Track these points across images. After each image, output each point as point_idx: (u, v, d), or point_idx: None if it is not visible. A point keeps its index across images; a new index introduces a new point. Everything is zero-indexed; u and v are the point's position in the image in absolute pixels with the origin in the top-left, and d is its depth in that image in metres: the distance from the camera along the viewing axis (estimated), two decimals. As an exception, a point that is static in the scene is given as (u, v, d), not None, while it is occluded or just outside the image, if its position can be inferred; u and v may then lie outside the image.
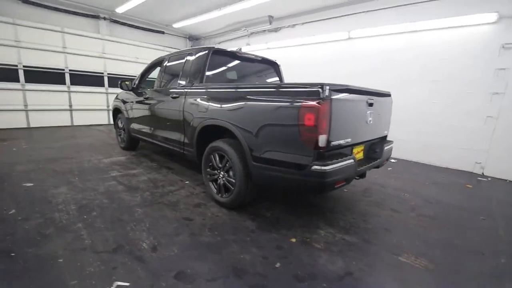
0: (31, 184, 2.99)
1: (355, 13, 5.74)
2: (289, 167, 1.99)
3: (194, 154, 2.93)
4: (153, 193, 2.92)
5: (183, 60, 3.26)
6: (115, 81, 8.12)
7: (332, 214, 2.65)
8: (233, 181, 2.44)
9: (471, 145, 4.63)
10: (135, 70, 8.63)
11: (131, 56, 8.48)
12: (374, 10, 5.49)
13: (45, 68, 6.91)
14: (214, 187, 2.72)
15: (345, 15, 5.90)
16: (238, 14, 6.87)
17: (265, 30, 7.56)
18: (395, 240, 2.21)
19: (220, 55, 3.14)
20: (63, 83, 7.30)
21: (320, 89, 1.82)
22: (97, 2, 7.04)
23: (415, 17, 5.01)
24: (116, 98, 5.01)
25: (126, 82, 4.17)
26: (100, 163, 3.99)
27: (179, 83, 3.22)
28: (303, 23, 6.74)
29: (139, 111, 4.07)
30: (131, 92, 4.36)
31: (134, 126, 4.30)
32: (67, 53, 7.19)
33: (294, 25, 6.94)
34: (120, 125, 4.87)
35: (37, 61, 6.76)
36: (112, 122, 8.51)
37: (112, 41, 7.99)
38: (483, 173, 4.58)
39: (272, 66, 3.83)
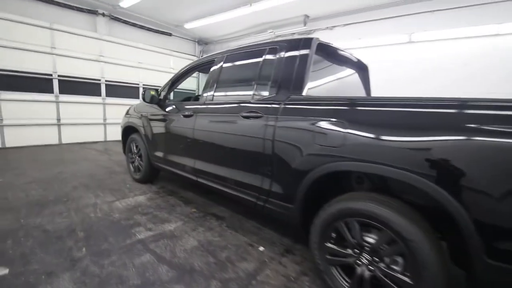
0: (6, 272, 1.69)
1: (417, 13, 4.83)
2: None
3: (295, 215, 1.76)
4: (225, 281, 1.70)
5: (259, 60, 2.12)
6: (114, 89, 6.86)
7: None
8: (406, 280, 1.28)
9: None
10: (137, 77, 7.38)
11: (133, 60, 7.22)
12: (443, 10, 4.60)
13: (28, 72, 5.52)
14: (346, 280, 1.54)
15: (403, 15, 4.98)
16: (267, 13, 5.83)
17: (294, 33, 6.56)
18: None
19: (325, 52, 2.04)
20: (50, 91, 5.92)
21: None
22: (96, -6, 5.79)
23: (497, 18, 4.15)
24: (128, 113, 3.76)
25: (152, 92, 2.95)
26: (113, 210, 2.70)
27: (256, 95, 2.06)
28: (344, 25, 5.78)
29: (171, 133, 2.85)
30: (155, 106, 3.14)
31: (160, 154, 3.06)
32: (57, 54, 5.85)
33: (333, 27, 5.97)
34: (133, 149, 3.60)
35: (17, 64, 5.38)
36: (109, 138, 7.14)
37: (112, 42, 6.73)
38: None
39: (362, 71, 2.76)
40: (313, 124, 1.60)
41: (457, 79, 4.52)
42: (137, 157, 3.56)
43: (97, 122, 6.75)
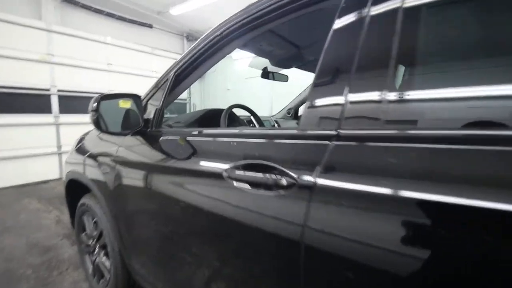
0: None
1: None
2: None
3: None
4: None
5: None
6: (72, 102, 4.81)
7: None
8: None
9: None
10: (107, 84, 5.33)
11: (99, 61, 5.17)
12: None
13: None
14: None
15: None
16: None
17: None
18: None
19: None
20: (-35, 110, 3.79)
21: None
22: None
23: None
24: (78, 148, 1.80)
25: (124, 103, 1.04)
26: None
27: None
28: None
29: (200, 217, 0.94)
30: (138, 137, 1.22)
31: (157, 265, 1.15)
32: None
33: None
34: (89, 228, 1.64)
35: None
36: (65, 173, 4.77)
37: (66, 34, 4.66)
38: None
39: None
40: None
41: None
42: (98, 251, 1.60)
43: (48, 152, 4.61)
